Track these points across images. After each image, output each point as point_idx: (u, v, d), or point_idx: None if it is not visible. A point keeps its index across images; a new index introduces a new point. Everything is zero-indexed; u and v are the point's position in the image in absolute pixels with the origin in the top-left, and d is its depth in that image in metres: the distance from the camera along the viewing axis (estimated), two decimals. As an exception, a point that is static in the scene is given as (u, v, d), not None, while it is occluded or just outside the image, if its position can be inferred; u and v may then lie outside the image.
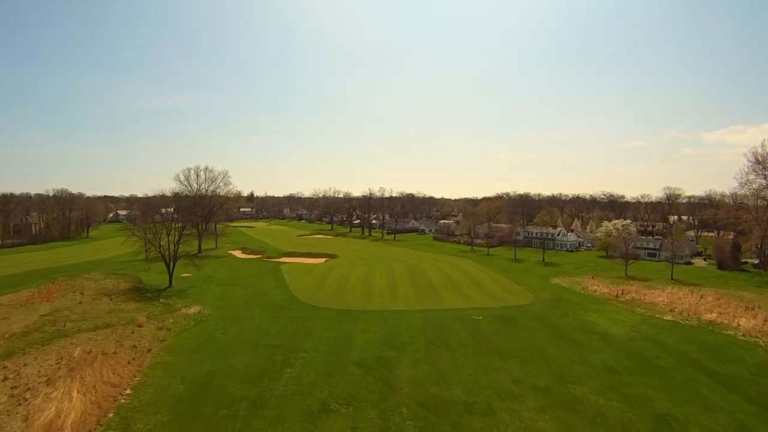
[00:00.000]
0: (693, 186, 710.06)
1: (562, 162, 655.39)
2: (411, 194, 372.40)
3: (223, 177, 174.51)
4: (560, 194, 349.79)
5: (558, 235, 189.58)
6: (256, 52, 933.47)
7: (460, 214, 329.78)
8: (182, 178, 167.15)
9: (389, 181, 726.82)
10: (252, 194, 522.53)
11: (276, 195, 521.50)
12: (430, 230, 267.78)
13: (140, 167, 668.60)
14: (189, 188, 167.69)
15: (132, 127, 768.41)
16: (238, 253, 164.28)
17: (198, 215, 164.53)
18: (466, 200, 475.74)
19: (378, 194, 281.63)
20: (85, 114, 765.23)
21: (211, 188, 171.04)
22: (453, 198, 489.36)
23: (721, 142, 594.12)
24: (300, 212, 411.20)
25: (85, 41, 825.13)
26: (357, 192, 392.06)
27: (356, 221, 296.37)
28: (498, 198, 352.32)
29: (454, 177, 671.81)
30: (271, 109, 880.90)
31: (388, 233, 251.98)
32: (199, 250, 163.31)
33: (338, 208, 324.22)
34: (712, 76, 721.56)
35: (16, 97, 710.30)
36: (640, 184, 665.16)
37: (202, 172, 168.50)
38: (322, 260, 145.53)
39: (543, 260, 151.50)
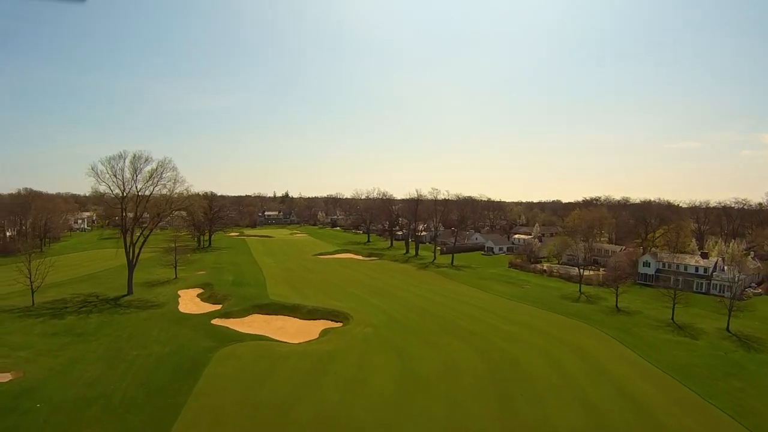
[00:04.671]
0: (755, 190, 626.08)
1: (594, 165, 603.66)
2: (470, 197, 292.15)
3: (164, 168, 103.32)
4: (657, 199, 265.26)
5: (714, 269, 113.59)
6: (300, 52, 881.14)
7: (537, 225, 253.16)
8: (103, 170, 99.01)
9: (439, 183, 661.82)
10: (286, 194, 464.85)
11: (315, 195, 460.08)
12: (500, 249, 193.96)
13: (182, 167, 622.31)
14: (117, 186, 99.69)
15: (174, 128, 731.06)
16: (187, 298, 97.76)
17: (124, 229, 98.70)
18: (531, 204, 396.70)
19: (429, 196, 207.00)
20: (124, 114, 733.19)
21: (148, 187, 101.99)
22: (508, 201, 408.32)
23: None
24: (335, 217, 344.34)
25: (125, 43, 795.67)
26: (402, 194, 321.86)
27: (399, 232, 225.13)
28: (592, 204, 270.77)
29: (504, 178, 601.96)
30: (316, 108, 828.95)
31: (442, 252, 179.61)
32: (129, 291, 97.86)
33: (378, 214, 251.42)
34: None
35: (54, 97, 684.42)
36: (689, 188, 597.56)
37: (128, 162, 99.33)
38: (316, 331, 75.33)
39: (727, 328, 78.51)
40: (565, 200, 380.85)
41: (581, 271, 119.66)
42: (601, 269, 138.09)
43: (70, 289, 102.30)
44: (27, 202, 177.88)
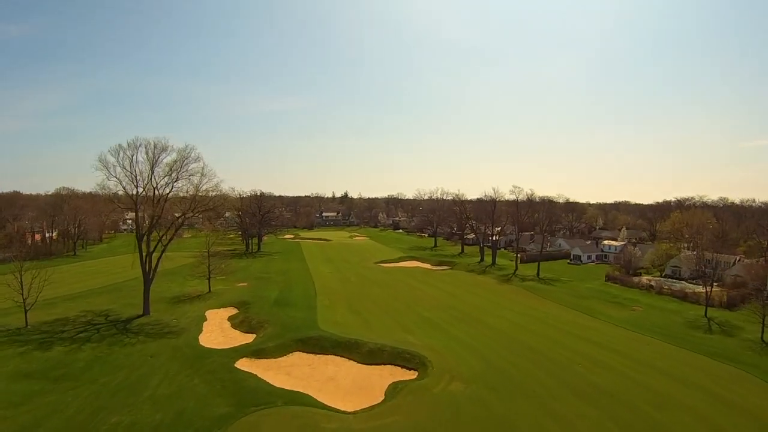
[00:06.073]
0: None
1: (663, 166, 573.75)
2: (547, 197, 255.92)
3: (186, 158, 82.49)
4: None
5: None
6: (362, 53, 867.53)
7: (624, 229, 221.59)
8: (114, 162, 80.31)
9: (504, 183, 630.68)
10: (345, 195, 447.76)
11: (376, 196, 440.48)
12: (588, 257, 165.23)
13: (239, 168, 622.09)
14: (131, 181, 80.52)
15: (233, 130, 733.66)
16: (214, 323, 78.00)
17: (139, 235, 79.88)
18: (604, 206, 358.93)
19: (510, 196, 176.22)
20: (182, 118, 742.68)
21: (169, 184, 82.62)
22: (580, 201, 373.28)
23: None
24: (397, 219, 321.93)
25: (181, 47, 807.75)
26: (469, 194, 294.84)
27: (470, 236, 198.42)
28: (683, 206, 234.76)
29: (569, 178, 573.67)
30: (378, 108, 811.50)
31: (522, 261, 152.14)
32: (145, 311, 78.84)
33: (445, 216, 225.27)
34: None
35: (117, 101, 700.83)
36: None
37: (142, 151, 79.66)
38: (381, 387, 51.90)
39: None
40: (633, 201, 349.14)
41: (709, 288, 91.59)
42: (714, 285, 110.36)
43: (82, 303, 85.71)
44: (59, 202, 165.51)
